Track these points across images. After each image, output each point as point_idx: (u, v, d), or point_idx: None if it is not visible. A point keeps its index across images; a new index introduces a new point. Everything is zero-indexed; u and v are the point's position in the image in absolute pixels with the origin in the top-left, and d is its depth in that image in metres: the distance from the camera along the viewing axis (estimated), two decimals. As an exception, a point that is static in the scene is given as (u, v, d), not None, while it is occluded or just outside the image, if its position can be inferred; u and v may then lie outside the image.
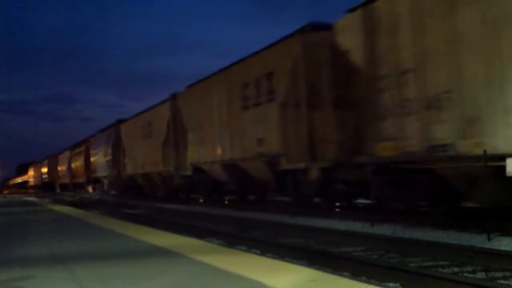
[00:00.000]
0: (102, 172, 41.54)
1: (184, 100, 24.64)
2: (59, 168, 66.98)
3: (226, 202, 22.14)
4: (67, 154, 62.04)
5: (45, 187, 76.34)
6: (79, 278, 5.29)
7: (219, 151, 20.25)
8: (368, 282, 5.87)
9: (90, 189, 53.15)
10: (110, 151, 38.30)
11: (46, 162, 79.01)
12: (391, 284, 6.34)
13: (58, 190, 66.50)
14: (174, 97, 26.17)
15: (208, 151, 21.20)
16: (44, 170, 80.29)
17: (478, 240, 9.22)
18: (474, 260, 7.57)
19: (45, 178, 79.98)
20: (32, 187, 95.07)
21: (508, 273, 6.90)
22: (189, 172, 23.57)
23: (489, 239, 9.13)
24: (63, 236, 9.74)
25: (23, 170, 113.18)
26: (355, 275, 6.63)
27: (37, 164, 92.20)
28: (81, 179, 52.77)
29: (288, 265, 6.00)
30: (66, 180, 62.12)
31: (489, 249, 8.06)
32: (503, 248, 8.39)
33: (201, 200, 24.11)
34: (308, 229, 11.79)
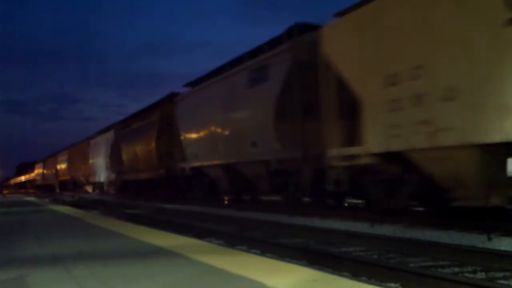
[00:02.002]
0: (222, 155, 20.13)
1: None
2: (91, 161, 45.92)
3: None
4: (106, 138, 40.51)
5: (63, 187, 59.99)
6: (78, 278, 5.28)
7: None
8: (368, 282, 5.86)
9: (89, 189, 51.18)
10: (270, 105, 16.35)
11: (65, 154, 59.09)
12: (391, 284, 6.34)
13: (57, 190, 62.77)
14: None
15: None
16: (62, 166, 60.70)
17: (478, 240, 9.22)
18: (474, 260, 7.57)
19: (63, 175, 60.35)
20: (38, 187, 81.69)
21: (508, 273, 6.90)
22: None
23: (489, 239, 9.13)
24: (63, 236, 9.72)
25: (23, 170, 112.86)
26: (355, 275, 6.63)
27: (48, 159, 74.13)
28: (144, 175, 30.44)
29: (288, 265, 5.99)
30: (100, 178, 42.71)
31: (489, 249, 8.05)
32: (503, 248, 8.40)
33: None
34: (308, 229, 11.79)
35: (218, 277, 5.16)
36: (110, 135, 39.23)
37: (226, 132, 19.81)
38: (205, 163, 21.86)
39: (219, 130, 20.41)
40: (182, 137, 24.56)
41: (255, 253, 8.05)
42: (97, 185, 46.02)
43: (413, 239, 9.48)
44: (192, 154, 23.44)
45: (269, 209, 17.40)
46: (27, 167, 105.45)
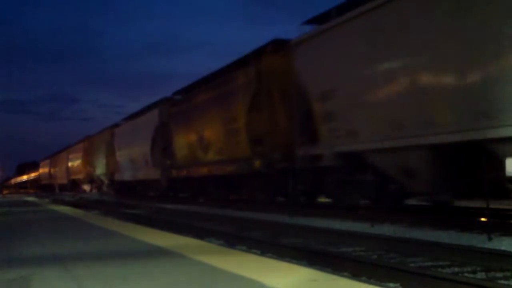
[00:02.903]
0: None
1: None
2: (117, 154, 36.01)
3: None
4: (145, 121, 29.93)
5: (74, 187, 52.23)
6: (78, 278, 5.28)
7: None
8: (368, 282, 5.86)
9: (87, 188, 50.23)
10: None
11: (79, 149, 49.01)
12: (391, 284, 6.34)
13: (57, 190, 62.82)
14: None
15: None
16: (75, 163, 51.00)
17: (478, 240, 9.22)
18: (474, 260, 7.57)
19: (76, 173, 50.98)
20: (42, 187, 76.22)
21: (508, 273, 6.89)
22: None
23: (489, 239, 9.13)
24: (63, 236, 9.73)
25: (22, 170, 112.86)
26: (355, 275, 6.62)
27: (56, 155, 65.72)
28: (218, 169, 20.94)
29: (288, 265, 5.99)
30: (138, 175, 31.55)
31: (489, 249, 8.05)
32: (503, 248, 8.39)
33: None
34: (308, 229, 11.79)
35: (218, 277, 5.16)
36: (152, 116, 28.70)
37: (465, 77, 10.15)
38: (383, 144, 12.17)
39: (439, 76, 10.69)
40: (311, 103, 14.71)
41: (255, 253, 8.05)
42: (125, 184, 36.90)
43: (413, 239, 9.48)
44: (339, 130, 13.75)
45: (269, 209, 17.39)
46: (28, 167, 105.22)
